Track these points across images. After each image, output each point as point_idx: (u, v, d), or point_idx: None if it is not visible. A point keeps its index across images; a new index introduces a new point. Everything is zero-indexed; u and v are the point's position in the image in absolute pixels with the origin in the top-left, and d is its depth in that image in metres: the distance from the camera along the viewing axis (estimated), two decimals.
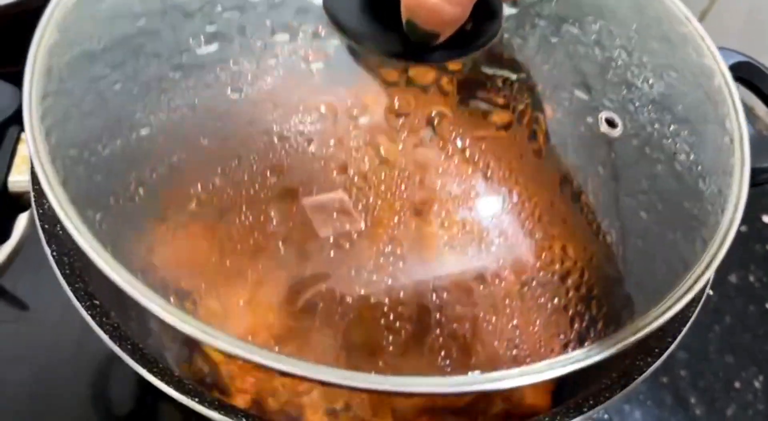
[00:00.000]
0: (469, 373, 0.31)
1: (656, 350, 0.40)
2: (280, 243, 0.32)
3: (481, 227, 0.33)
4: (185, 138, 0.34)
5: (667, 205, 0.36)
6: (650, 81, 0.38)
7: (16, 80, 0.45)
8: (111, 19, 0.38)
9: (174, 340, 0.47)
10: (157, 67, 0.35)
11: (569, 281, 0.33)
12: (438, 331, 0.32)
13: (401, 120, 0.34)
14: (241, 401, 0.51)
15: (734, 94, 0.41)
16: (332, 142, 0.33)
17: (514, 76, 0.36)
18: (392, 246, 0.32)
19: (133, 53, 0.36)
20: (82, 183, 0.33)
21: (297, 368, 0.30)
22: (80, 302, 0.38)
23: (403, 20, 0.33)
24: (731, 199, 0.37)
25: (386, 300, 0.32)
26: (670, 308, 0.33)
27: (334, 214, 0.32)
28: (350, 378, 0.30)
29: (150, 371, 0.37)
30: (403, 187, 0.33)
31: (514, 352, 0.32)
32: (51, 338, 0.57)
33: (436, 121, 0.34)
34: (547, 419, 0.39)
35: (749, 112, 0.71)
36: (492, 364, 0.32)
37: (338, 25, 0.35)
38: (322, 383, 0.30)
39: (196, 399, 0.36)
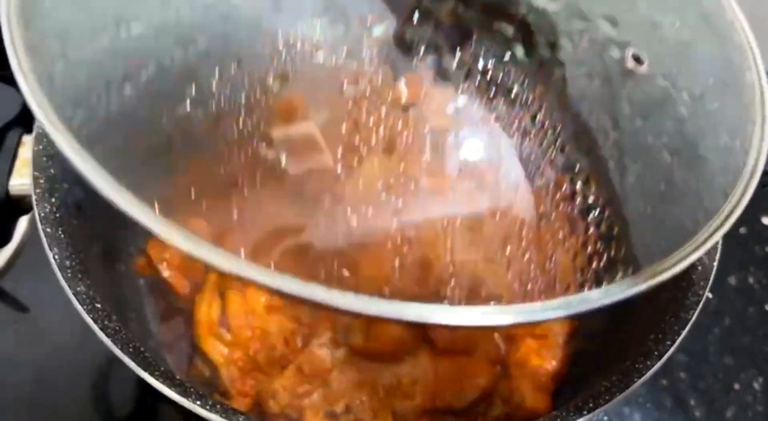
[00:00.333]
0: (481, 305, 0.27)
1: (656, 353, 0.40)
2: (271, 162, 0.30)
3: (501, 154, 0.32)
4: (182, 38, 0.31)
5: (690, 151, 0.34)
6: (677, 24, 0.37)
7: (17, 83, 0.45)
8: None
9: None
10: None
11: (590, 217, 0.31)
12: (449, 261, 0.30)
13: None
14: (241, 403, 0.51)
15: (756, 52, 0.40)
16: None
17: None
18: (406, 176, 0.30)
19: None
20: (65, 80, 0.28)
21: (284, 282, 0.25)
22: (82, 305, 0.38)
23: None
24: (752, 153, 0.35)
25: (398, 235, 0.30)
26: (688, 255, 0.30)
27: (304, 148, 0.30)
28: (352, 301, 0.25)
29: (151, 373, 0.37)
30: (420, 111, 0.31)
31: (529, 287, 0.30)
32: (51, 340, 0.58)
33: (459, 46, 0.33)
34: None
35: None
36: (504, 298, 0.30)
37: None
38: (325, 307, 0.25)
39: (197, 402, 0.36)
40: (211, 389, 0.51)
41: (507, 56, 0.34)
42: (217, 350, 0.51)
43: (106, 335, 0.38)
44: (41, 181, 0.42)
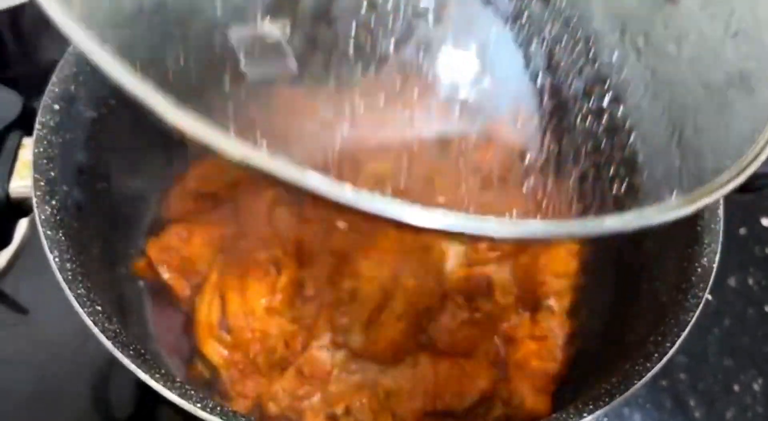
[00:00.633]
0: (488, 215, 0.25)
1: (656, 354, 0.40)
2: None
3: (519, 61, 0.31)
4: None
5: (723, 88, 0.32)
6: None
7: (17, 85, 0.45)
8: None
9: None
10: None
11: (615, 139, 0.30)
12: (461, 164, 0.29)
13: None
14: (241, 405, 0.51)
15: None
16: None
17: None
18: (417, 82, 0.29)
19: None
20: None
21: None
22: (82, 307, 0.38)
23: None
24: None
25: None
26: (700, 198, 0.28)
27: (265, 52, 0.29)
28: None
29: (151, 375, 0.37)
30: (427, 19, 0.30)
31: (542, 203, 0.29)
32: (51, 342, 0.57)
33: None
34: None
35: None
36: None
37: None
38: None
39: (197, 404, 0.36)
40: (211, 391, 0.51)
41: None
42: (217, 352, 0.51)
43: (107, 337, 0.38)
44: (41, 183, 0.42)
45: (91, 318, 0.38)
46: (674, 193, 0.29)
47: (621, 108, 0.30)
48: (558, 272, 0.56)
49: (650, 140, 0.31)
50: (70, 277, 0.39)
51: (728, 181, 0.29)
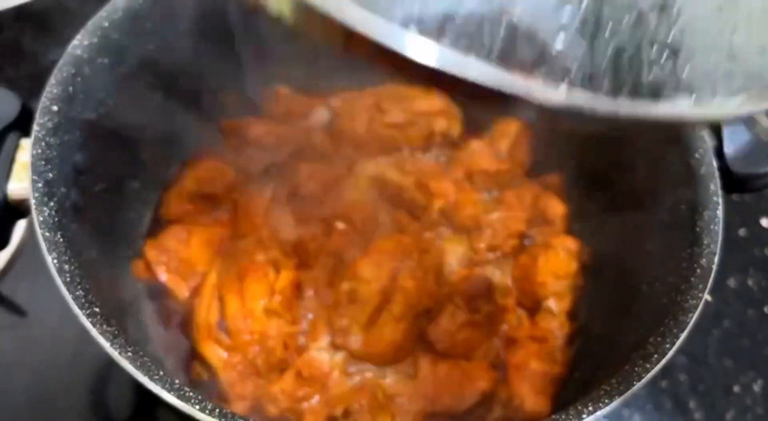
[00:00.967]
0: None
1: (655, 355, 0.40)
2: None
3: None
4: None
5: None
6: None
7: (17, 86, 0.45)
8: None
9: None
10: None
11: (662, 17, 0.27)
12: None
13: None
14: (240, 407, 0.51)
15: None
16: None
17: None
18: None
19: None
20: None
21: None
22: (80, 309, 0.38)
23: None
24: None
25: None
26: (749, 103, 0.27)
27: None
28: None
29: (150, 377, 0.37)
30: None
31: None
32: (49, 344, 0.57)
33: None
34: None
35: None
36: None
37: None
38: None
39: (196, 406, 0.36)
40: (210, 393, 0.50)
41: None
42: (215, 353, 0.51)
43: (105, 339, 0.38)
44: (39, 185, 0.42)
45: (90, 320, 0.38)
46: (717, 94, 0.27)
47: None
48: (558, 273, 0.56)
49: (699, 33, 0.29)
50: (68, 279, 0.39)
51: None
